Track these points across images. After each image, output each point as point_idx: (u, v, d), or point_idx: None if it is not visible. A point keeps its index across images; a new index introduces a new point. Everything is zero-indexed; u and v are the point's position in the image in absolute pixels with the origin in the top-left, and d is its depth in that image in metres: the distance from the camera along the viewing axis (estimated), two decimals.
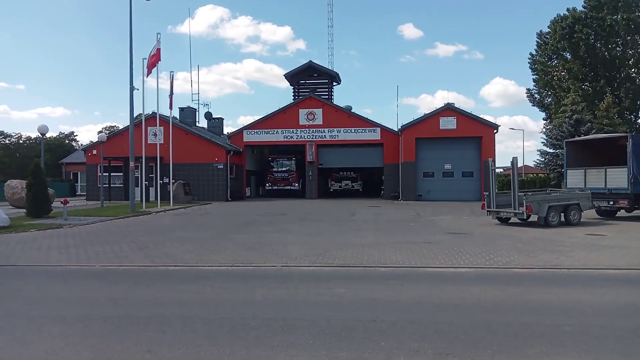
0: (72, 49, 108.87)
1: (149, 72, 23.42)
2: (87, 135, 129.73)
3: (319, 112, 34.56)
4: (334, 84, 39.64)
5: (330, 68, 41.67)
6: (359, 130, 34.22)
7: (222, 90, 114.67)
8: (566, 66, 45.46)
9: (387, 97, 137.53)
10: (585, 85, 45.93)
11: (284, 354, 4.55)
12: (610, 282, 7.74)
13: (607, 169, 17.13)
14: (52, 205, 19.92)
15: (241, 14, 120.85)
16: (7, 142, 55.83)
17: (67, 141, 59.65)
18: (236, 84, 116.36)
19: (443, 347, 4.69)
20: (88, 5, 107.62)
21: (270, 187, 36.95)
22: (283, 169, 37.06)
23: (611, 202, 16.91)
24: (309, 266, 9.07)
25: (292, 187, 36.47)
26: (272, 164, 37.55)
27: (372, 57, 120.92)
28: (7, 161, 49.13)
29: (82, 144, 56.17)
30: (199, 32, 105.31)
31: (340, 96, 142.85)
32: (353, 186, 37.83)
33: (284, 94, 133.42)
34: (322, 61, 61.23)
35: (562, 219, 15.56)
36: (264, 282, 7.80)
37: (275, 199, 33.90)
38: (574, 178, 18.53)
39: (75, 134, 63.75)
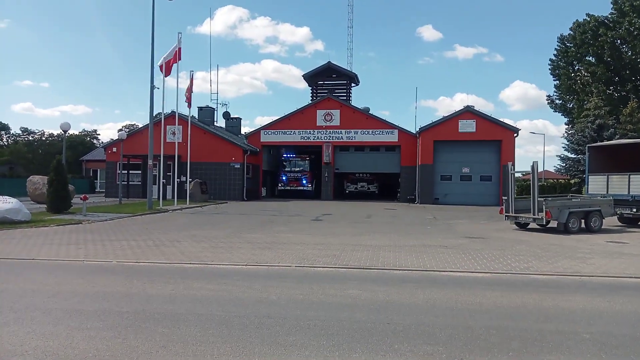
0: (95, 48, 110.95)
1: (167, 73, 23.16)
2: (107, 133, 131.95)
3: (336, 113, 34.51)
4: (353, 85, 39.46)
5: (349, 69, 41.55)
6: (376, 132, 34.06)
7: (240, 90, 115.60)
8: (590, 69, 44.57)
9: (405, 99, 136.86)
10: (610, 89, 44.91)
11: (296, 354, 4.53)
12: (631, 291, 7.56)
13: (631, 175, 16.77)
14: (72, 201, 20.30)
15: (260, 14, 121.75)
16: (31, 138, 57.17)
17: (88, 139, 60.79)
18: (254, 84, 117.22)
19: (458, 351, 4.62)
20: (110, 5, 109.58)
21: (282, 188, 36.76)
22: (297, 169, 36.88)
23: (634, 209, 16.56)
24: (323, 267, 9.06)
25: (305, 188, 36.21)
26: (284, 163, 37.45)
27: (391, 59, 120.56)
28: (30, 157, 50.22)
29: (102, 142, 57.14)
30: (218, 33, 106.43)
31: (359, 98, 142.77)
32: (369, 188, 37.59)
33: (302, 94, 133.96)
34: (340, 62, 61.12)
35: (583, 225, 15.25)
36: (279, 282, 7.80)
37: (291, 199, 33.95)
38: (596, 184, 18.16)
39: (97, 132, 65.04)
